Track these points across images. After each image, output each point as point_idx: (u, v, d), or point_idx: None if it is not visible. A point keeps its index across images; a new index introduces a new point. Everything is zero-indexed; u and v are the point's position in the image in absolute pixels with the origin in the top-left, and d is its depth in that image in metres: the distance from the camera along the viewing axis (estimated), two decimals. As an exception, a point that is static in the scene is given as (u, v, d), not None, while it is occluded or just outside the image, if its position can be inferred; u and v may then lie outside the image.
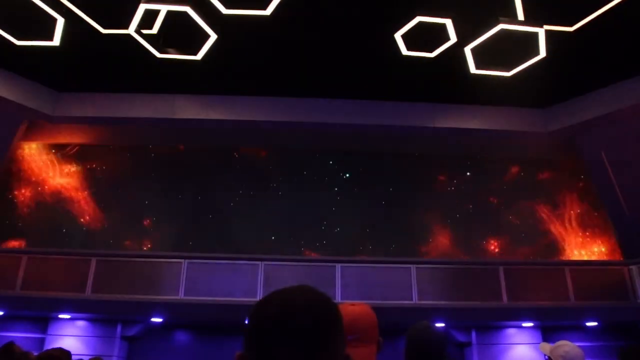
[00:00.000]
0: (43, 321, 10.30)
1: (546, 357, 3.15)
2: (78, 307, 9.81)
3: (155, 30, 8.08)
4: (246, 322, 0.87)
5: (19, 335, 9.78)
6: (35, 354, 5.86)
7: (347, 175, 12.98)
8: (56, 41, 8.25)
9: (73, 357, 3.38)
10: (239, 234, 12.29)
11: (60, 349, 3.16)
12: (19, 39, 8.50)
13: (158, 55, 8.49)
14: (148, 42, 8.25)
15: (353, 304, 1.77)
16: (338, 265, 10.17)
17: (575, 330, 10.67)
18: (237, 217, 12.50)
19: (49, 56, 9.86)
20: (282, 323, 0.80)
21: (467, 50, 7.78)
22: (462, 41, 7.77)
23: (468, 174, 13.14)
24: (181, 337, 10.93)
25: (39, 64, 10.63)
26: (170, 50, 8.40)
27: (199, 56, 8.33)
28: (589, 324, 10.72)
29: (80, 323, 10.25)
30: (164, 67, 9.97)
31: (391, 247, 12.38)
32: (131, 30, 7.94)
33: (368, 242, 12.44)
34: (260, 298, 0.88)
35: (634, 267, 10.74)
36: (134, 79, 11.35)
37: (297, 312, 0.82)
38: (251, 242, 12.14)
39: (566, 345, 3.08)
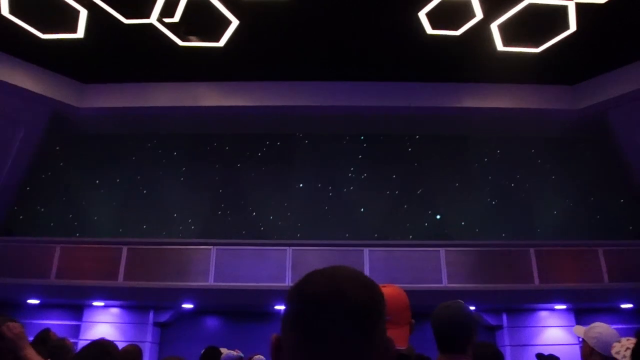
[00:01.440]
0: (78, 309, 10.58)
1: (580, 339, 3.09)
2: (111, 295, 10.04)
3: (176, 18, 8.10)
4: (286, 304, 0.84)
5: (55, 323, 10.06)
6: (71, 340, 6.01)
7: (372, 158, 12.86)
8: (80, 33, 8.37)
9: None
10: (265, 220, 12.35)
11: (104, 340, 3.21)
12: (43, 32, 8.63)
13: (180, 43, 8.53)
14: (170, 30, 8.28)
15: (384, 286, 1.75)
16: (366, 249, 10.13)
17: (609, 312, 10.45)
18: (263, 203, 12.55)
19: (74, 48, 9.99)
20: (334, 302, 0.78)
21: (494, 26, 7.58)
22: (488, 18, 7.57)
23: (496, 153, 12.88)
24: (211, 322, 11.10)
25: (63, 57, 10.76)
26: (192, 38, 8.42)
27: (222, 43, 8.33)
28: (623, 305, 10.48)
29: (114, 310, 10.49)
30: (185, 55, 10.00)
31: (419, 230, 12.27)
32: (153, 19, 7.99)
33: (396, 225, 12.35)
34: (300, 279, 0.85)
35: (670, 247, 10.42)
36: (157, 68, 11.42)
37: (348, 291, 0.79)
38: (278, 227, 12.18)
39: (600, 327, 3.02)
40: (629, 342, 2.75)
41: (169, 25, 8.12)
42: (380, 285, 1.76)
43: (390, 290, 1.73)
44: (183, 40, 8.44)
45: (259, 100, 11.95)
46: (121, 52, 10.83)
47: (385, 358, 0.82)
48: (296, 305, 0.81)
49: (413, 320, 1.73)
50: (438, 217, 12.52)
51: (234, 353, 3.52)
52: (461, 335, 2.14)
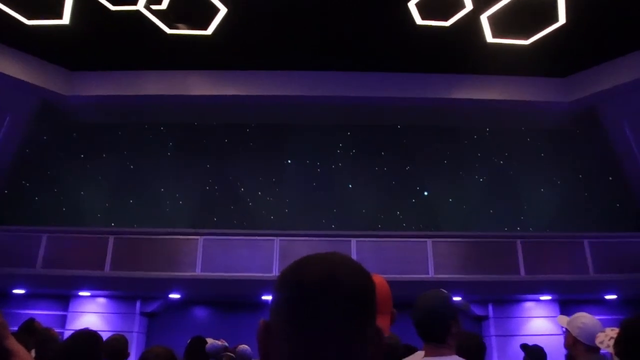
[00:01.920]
0: (64, 299, 10.50)
1: (564, 329, 3.10)
2: (97, 285, 9.99)
3: (164, 5, 8.00)
4: (277, 290, 0.81)
5: (41, 313, 9.98)
6: (58, 330, 5.96)
7: (363, 149, 12.85)
8: (66, 19, 8.23)
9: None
10: (254, 210, 12.32)
11: (89, 331, 3.18)
12: (29, 18, 8.49)
13: (168, 31, 8.43)
14: (158, 18, 8.18)
15: None
16: (353, 240, 10.15)
17: (594, 303, 10.55)
18: (253, 193, 12.51)
19: (60, 35, 9.84)
20: (329, 289, 0.76)
21: (484, 18, 7.57)
22: (478, 9, 7.55)
23: (487, 144, 12.92)
24: (199, 312, 11.08)
25: (50, 44, 10.62)
26: (180, 25, 8.32)
27: (209, 31, 8.24)
28: (608, 297, 10.59)
29: (101, 300, 10.44)
30: (175, 43, 9.90)
31: (407, 221, 12.31)
32: (140, 6, 7.88)
33: (384, 216, 12.37)
34: (292, 264, 0.83)
35: (655, 239, 10.55)
36: (145, 56, 11.30)
37: (343, 277, 0.78)
38: (266, 217, 12.16)
39: (584, 317, 3.03)
40: (613, 332, 2.76)
41: (156, 13, 8.02)
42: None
43: (374, 279, 1.72)
44: (171, 28, 8.34)
45: (249, 90, 11.88)
46: (109, 40, 10.69)
47: (377, 346, 0.80)
48: (290, 292, 0.79)
49: (394, 310, 1.73)
50: (425, 193, 12.58)
51: (218, 343, 3.52)
52: (439, 325, 2.14)
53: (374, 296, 0.82)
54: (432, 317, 2.14)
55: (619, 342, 1.70)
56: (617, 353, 1.68)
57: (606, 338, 2.76)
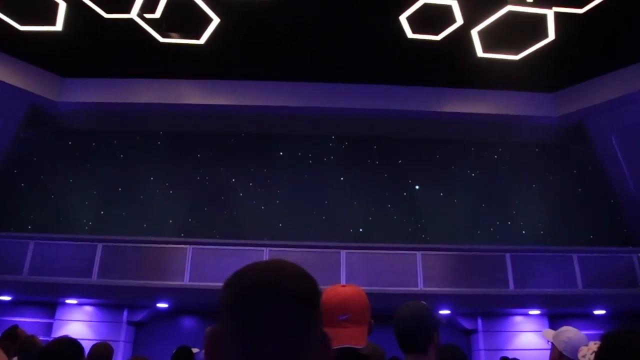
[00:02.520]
0: (51, 306, 10.38)
1: (550, 342, 3.11)
2: (84, 293, 9.89)
3: (158, 14, 8.00)
4: (222, 294, 0.82)
5: (27, 320, 9.87)
6: (44, 338, 5.88)
7: (353, 160, 12.88)
8: (59, 26, 8.21)
9: (80, 341, 3.37)
10: (244, 219, 12.28)
11: (68, 339, 3.14)
12: (22, 24, 8.47)
13: (161, 39, 8.43)
14: (151, 26, 8.19)
15: (344, 286, 1.76)
16: (343, 252, 10.13)
17: (583, 318, 10.59)
18: (242, 202, 12.48)
19: (53, 41, 9.82)
20: (271, 292, 0.77)
21: (474, 33, 7.64)
22: (469, 24, 7.63)
23: (477, 158, 13.00)
24: (187, 322, 10.99)
25: (42, 50, 10.59)
26: (173, 34, 8.32)
27: (202, 40, 8.26)
28: (596, 311, 10.63)
29: (88, 308, 10.32)
30: (167, 52, 9.91)
31: (397, 233, 12.31)
32: (133, 14, 7.88)
33: (373, 228, 12.38)
34: (238, 270, 0.83)
35: (643, 255, 10.63)
36: (137, 64, 11.31)
37: (286, 281, 0.78)
38: (256, 227, 12.12)
39: (569, 331, 3.04)
40: (596, 345, 2.77)
41: (150, 21, 8.03)
42: (340, 285, 1.77)
43: (350, 290, 1.73)
44: (164, 36, 8.34)
45: (241, 100, 11.90)
46: (102, 47, 10.69)
47: (322, 351, 0.80)
48: (233, 295, 0.79)
49: (372, 320, 1.73)
50: (417, 187, 12.61)
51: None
52: (422, 335, 2.14)
53: (318, 302, 0.82)
54: (414, 327, 2.15)
55: (599, 356, 1.70)
56: None
57: (588, 352, 2.76)
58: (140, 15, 7.83)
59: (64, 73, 11.81)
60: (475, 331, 10.59)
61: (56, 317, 10.29)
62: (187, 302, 10.23)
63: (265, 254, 10.08)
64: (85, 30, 9.73)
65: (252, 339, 0.75)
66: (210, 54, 10.06)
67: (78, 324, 10.13)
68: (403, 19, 7.27)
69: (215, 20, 7.82)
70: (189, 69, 11.50)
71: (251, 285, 0.78)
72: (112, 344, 4.81)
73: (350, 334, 1.61)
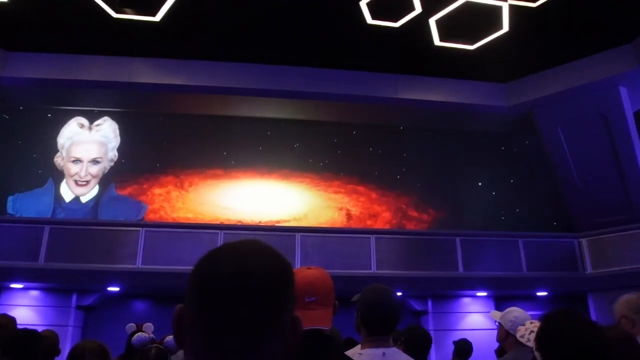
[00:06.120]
0: (-6, 291, 9.98)
1: (497, 322, 3.25)
2: (31, 276, 9.53)
3: (111, -12, 7.74)
4: (189, 280, 0.80)
5: (-32, 305, 9.45)
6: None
7: (309, 143, 12.87)
8: (4, -3, 7.81)
9: (28, 327, 3.27)
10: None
11: (4, 316, 3.04)
12: (-38, -7, 8.00)
13: (114, 15, 8.14)
14: (104, 1, 7.89)
15: (309, 268, 1.78)
16: (298, 235, 10.19)
17: (526, 299, 11.09)
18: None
19: (-3, 13, 9.32)
20: (240, 282, 0.75)
21: (432, 21, 7.76)
22: (427, 12, 7.74)
23: (430, 144, 13.26)
24: (139, 306, 10.81)
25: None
26: (127, 10, 8.05)
27: (158, 17, 8.03)
28: (539, 293, 11.16)
29: (34, 293, 9.96)
30: (121, 28, 9.57)
31: (352, 217, 12.47)
32: (85, -13, 7.58)
33: (323, 211, 12.48)
34: (205, 254, 0.82)
35: (583, 240, 11.22)
36: (89, 39, 10.86)
37: (251, 268, 0.77)
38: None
39: (515, 311, 3.19)
40: (533, 325, 2.90)
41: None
42: (306, 267, 1.80)
43: (316, 272, 1.76)
44: (117, 12, 8.06)
45: (196, 80, 11.63)
46: (50, 20, 10.19)
47: (291, 338, 0.80)
48: (199, 282, 0.78)
49: (336, 302, 1.77)
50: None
51: (146, 335, 3.46)
52: (393, 319, 2.20)
53: (287, 287, 0.80)
54: (396, 311, 2.20)
55: (539, 336, 1.79)
56: (537, 348, 1.76)
57: (526, 332, 2.90)
58: (92, -12, 7.54)
59: (10, 47, 11.21)
60: (425, 312, 10.92)
61: (1, 302, 9.89)
62: (140, 285, 10.05)
63: (220, 237, 10.00)
64: (34, 2, 9.27)
65: (212, 333, 0.74)
66: (164, 32, 9.78)
67: (24, 309, 9.76)
68: (363, 4, 7.30)
69: (172, -3, 7.62)
70: (142, 47, 11.13)
71: (214, 275, 0.77)
72: (61, 329, 4.68)
73: (317, 315, 1.65)
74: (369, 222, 12.60)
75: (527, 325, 2.94)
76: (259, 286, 0.76)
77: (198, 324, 0.76)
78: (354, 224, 12.41)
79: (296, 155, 12.72)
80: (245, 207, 12.21)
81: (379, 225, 12.51)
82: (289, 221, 12.18)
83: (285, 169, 12.62)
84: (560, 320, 1.76)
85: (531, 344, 1.91)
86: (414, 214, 12.86)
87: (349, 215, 12.71)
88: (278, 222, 12.06)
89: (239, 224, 11.59)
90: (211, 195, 12.30)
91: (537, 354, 1.75)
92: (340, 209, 12.72)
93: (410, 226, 12.61)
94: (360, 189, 12.92)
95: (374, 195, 12.89)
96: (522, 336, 2.90)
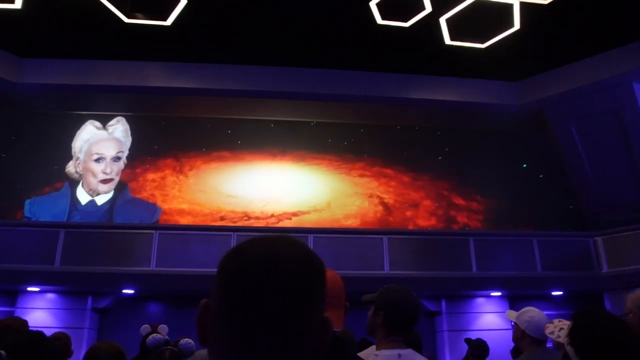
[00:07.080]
0: (12, 294, 10.10)
1: (513, 323, 3.23)
2: (47, 280, 9.65)
3: (122, -7, 7.80)
4: (218, 269, 0.79)
5: (-13, 309, 9.59)
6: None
7: (323, 145, 12.87)
8: (18, 4, 7.89)
9: (43, 330, 3.30)
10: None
11: (15, 318, 3.08)
12: (-23, 0, 8.09)
13: (126, 20, 8.20)
14: (115, 6, 7.96)
15: None
16: (311, 236, 10.19)
17: (541, 299, 10.98)
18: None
19: (12, 20, 9.44)
20: (270, 275, 0.73)
21: (442, 20, 7.73)
22: (437, 11, 7.71)
23: (443, 144, 13.20)
24: (153, 308, 10.88)
25: (1, 29, 10.16)
26: (138, 15, 8.10)
27: (169, 22, 8.08)
28: (554, 293, 11.06)
29: (50, 296, 10.08)
30: (132, 33, 9.66)
31: (389, 207, 12.40)
32: (97, -7, 7.64)
33: (339, 212, 12.46)
34: (238, 244, 0.80)
35: (598, 239, 11.09)
36: (101, 45, 10.99)
37: (284, 262, 0.74)
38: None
39: (531, 311, 3.18)
40: (561, 322, 2.92)
41: (114, 1, 7.81)
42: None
43: (329, 274, 1.76)
44: (129, 17, 8.12)
45: (207, 83, 11.71)
46: (64, 27, 10.32)
47: (321, 338, 0.78)
48: (229, 271, 0.76)
49: (347, 304, 1.77)
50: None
51: (159, 336, 3.48)
52: (417, 318, 2.21)
53: (320, 284, 0.78)
54: (413, 309, 2.21)
55: (573, 332, 1.84)
56: (569, 343, 1.82)
57: (555, 329, 2.91)
58: (104, -6, 7.60)
59: (24, 54, 11.37)
60: (439, 313, 10.87)
61: (18, 305, 10.01)
62: (154, 287, 10.12)
63: (233, 238, 10.05)
64: (47, 9, 9.38)
65: (242, 325, 0.72)
66: (175, 36, 9.86)
67: (40, 311, 9.89)
68: (373, 4, 7.29)
69: (183, 1, 7.66)
70: (154, 51, 11.24)
71: (248, 264, 0.75)
72: (76, 332, 4.71)
73: (329, 317, 1.65)
74: (408, 214, 12.21)
75: (556, 322, 2.96)
76: (292, 277, 0.73)
77: (226, 317, 0.74)
78: (393, 218, 12.05)
79: (308, 158, 12.72)
80: (253, 195, 11.96)
81: (421, 217, 12.04)
82: (309, 213, 11.74)
83: (300, 150, 12.50)
84: (593, 317, 1.86)
85: (562, 339, 1.97)
86: (461, 201, 12.39)
87: (384, 205, 11.82)
88: (295, 214, 11.82)
89: (248, 221, 11.59)
90: (214, 181, 12.08)
91: (569, 348, 1.81)
92: (370, 195, 11.92)
93: (462, 219, 12.34)
94: (388, 171, 12.29)
95: (405, 178, 12.17)
96: (552, 332, 2.92)
